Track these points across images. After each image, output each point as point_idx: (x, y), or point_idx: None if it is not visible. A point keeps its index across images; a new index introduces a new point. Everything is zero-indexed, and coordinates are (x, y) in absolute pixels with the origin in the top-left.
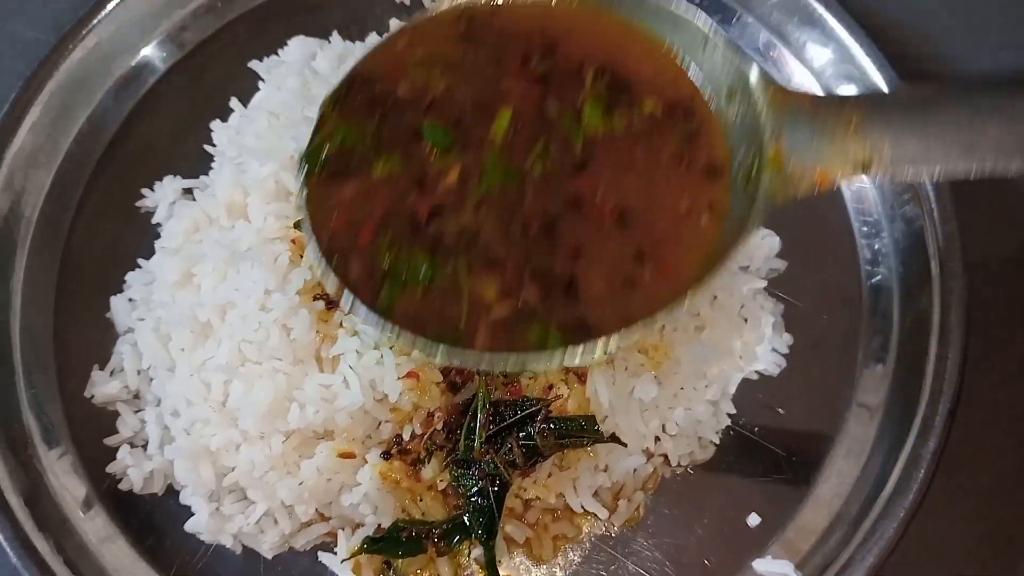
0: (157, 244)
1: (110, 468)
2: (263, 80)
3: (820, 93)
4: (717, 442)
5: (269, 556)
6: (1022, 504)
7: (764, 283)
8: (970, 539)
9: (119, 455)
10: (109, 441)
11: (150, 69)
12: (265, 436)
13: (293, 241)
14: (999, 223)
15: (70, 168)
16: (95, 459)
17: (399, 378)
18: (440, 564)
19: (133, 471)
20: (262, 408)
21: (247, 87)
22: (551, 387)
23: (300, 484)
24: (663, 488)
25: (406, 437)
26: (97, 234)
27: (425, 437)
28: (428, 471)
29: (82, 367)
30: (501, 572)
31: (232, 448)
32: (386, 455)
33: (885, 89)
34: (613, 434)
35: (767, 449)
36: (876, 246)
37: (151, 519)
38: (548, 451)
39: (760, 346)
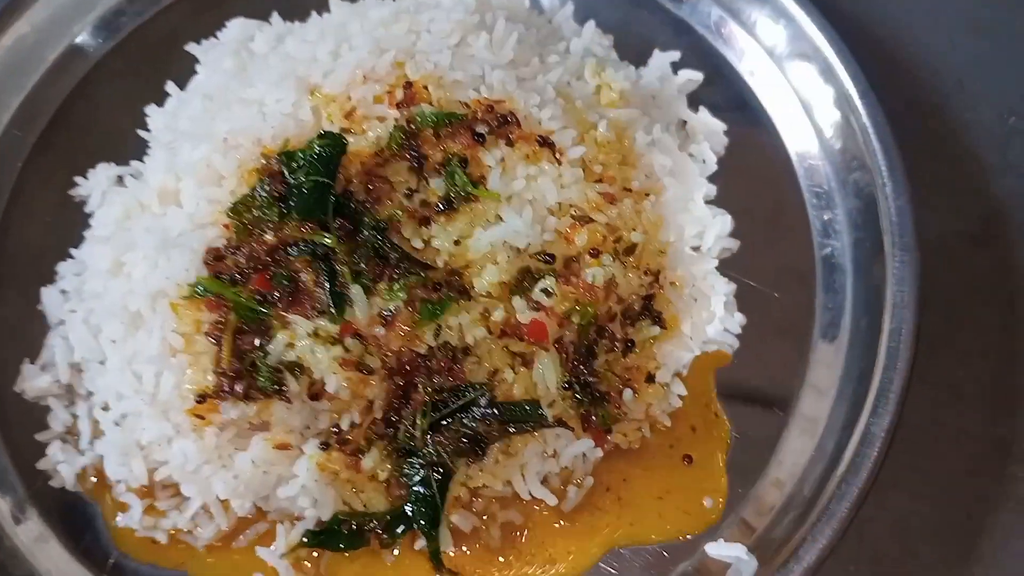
0: (88, 233)
1: (40, 465)
2: (200, 63)
3: (773, 69)
4: (668, 424)
5: (203, 551)
6: (981, 481)
7: (715, 262)
8: (929, 516)
9: (49, 451)
10: (40, 437)
11: (85, 54)
12: (197, 428)
13: (226, 226)
14: (956, 199)
15: (2, 156)
16: (27, 456)
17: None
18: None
19: (64, 467)
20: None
21: (185, 71)
22: (496, 372)
23: (235, 477)
24: (614, 472)
25: (344, 427)
26: (31, 224)
27: (364, 426)
28: (368, 461)
29: (13, 361)
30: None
31: (164, 442)
32: (324, 446)
33: (839, 65)
34: (560, 418)
35: (719, 429)
36: (827, 217)
37: (85, 516)
38: (492, 438)
39: (711, 326)
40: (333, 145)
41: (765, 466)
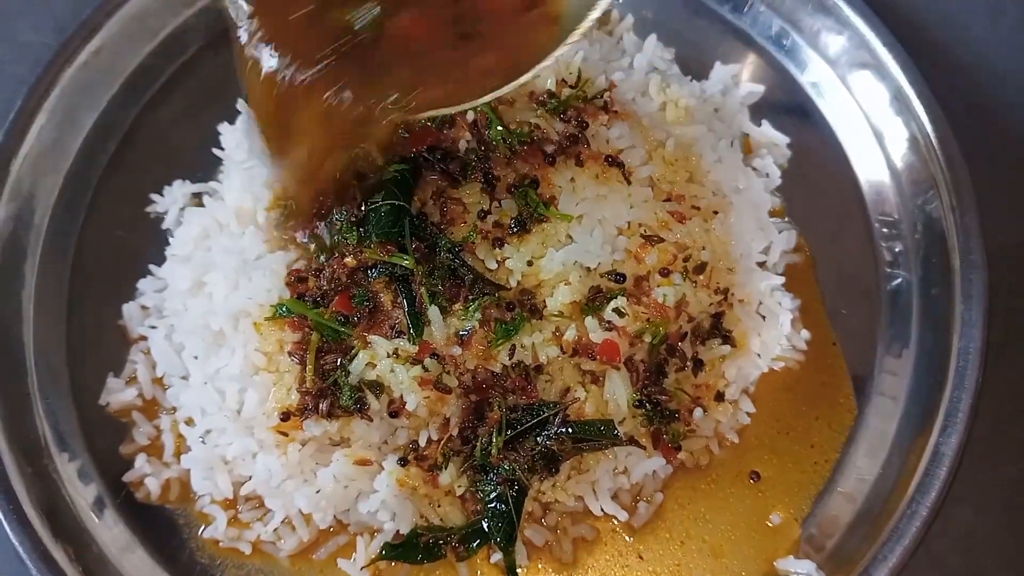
0: (168, 251)
1: (127, 477)
2: None
3: (835, 81)
4: (737, 440)
5: (287, 563)
6: None
7: (782, 280)
8: (994, 531)
9: (136, 464)
10: (124, 450)
11: (155, 71)
12: (281, 444)
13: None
14: (1020, 210)
15: (78, 174)
16: (112, 468)
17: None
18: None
19: (150, 480)
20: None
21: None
22: (568, 390)
23: (317, 492)
24: (684, 488)
25: (422, 443)
26: (108, 240)
27: (442, 443)
28: (445, 477)
29: (96, 375)
30: None
31: (248, 457)
32: (403, 461)
33: (901, 76)
34: (632, 437)
35: (787, 446)
36: (892, 231)
37: (170, 526)
38: (566, 456)
39: (779, 342)
40: (409, 169)
41: (833, 482)
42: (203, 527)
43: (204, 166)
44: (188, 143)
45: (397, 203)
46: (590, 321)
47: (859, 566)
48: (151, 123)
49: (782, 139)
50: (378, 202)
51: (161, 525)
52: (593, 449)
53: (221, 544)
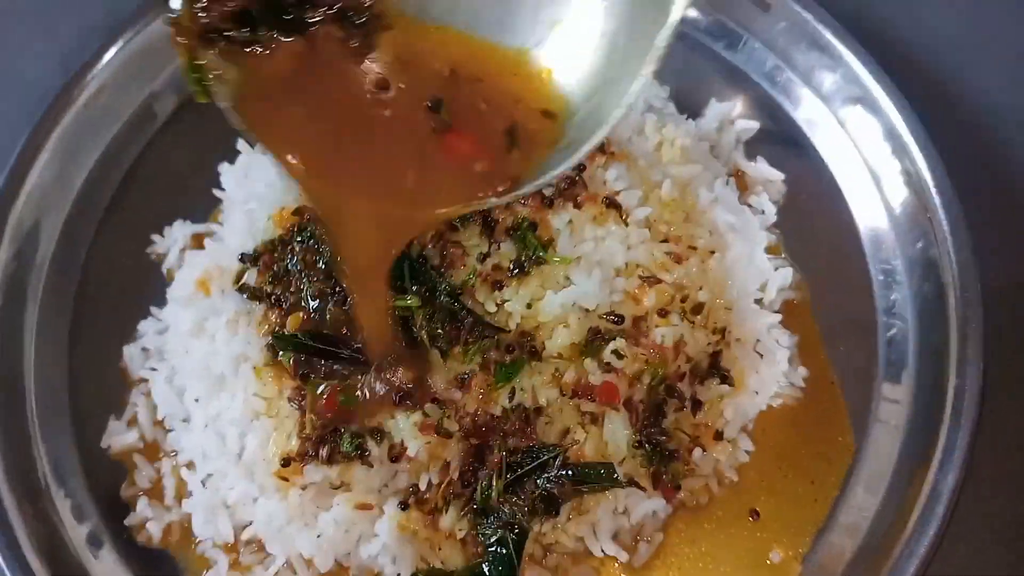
0: (169, 294)
1: (128, 521)
2: None
3: (829, 117)
4: (736, 479)
5: None
6: None
7: (779, 317)
8: (996, 567)
9: (138, 508)
10: (125, 492)
11: (157, 109)
12: (282, 489)
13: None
14: (1018, 241)
15: (80, 214)
16: (113, 510)
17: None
18: None
19: (152, 525)
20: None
21: None
22: (567, 431)
23: (318, 536)
24: (684, 527)
25: (423, 487)
26: (109, 280)
27: (442, 486)
28: (446, 520)
29: (97, 416)
30: None
31: (249, 501)
32: (403, 505)
33: (895, 114)
34: (632, 478)
35: (787, 483)
36: (888, 267)
37: (171, 569)
38: (566, 498)
39: (777, 380)
40: None
41: (833, 519)
42: (205, 571)
43: (206, 206)
44: (190, 183)
45: None
46: (589, 363)
47: None
48: (154, 162)
49: (777, 175)
50: None
51: (163, 567)
52: (593, 491)
53: None
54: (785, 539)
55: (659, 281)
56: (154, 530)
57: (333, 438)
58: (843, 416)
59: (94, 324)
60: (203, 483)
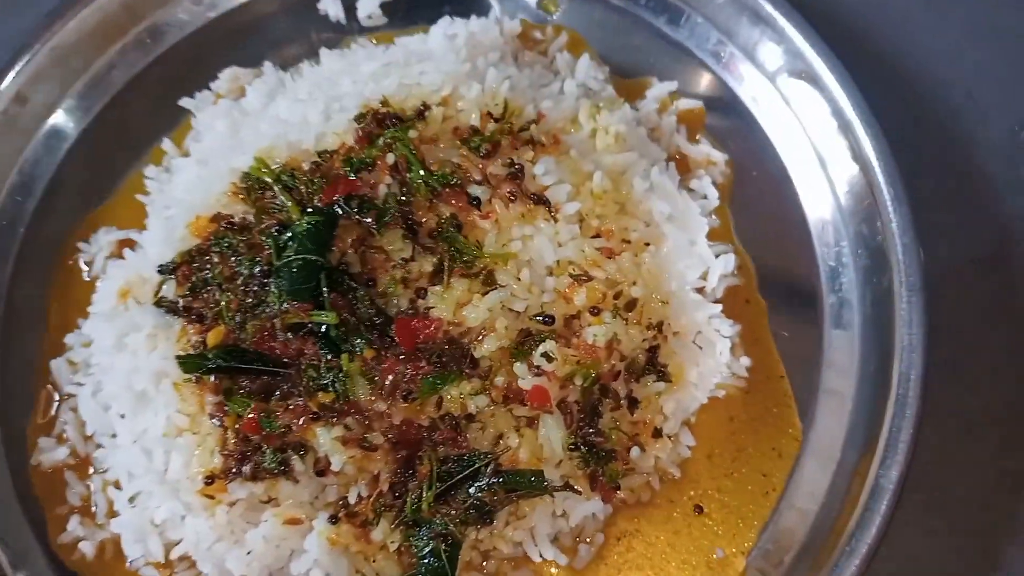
0: (90, 308)
1: (60, 540)
2: (194, 118)
3: (774, 94)
4: (678, 475)
5: None
6: (993, 514)
7: (719, 307)
8: (943, 553)
9: (69, 526)
10: (58, 511)
11: (80, 112)
12: (208, 507)
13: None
14: (965, 219)
15: (3, 223)
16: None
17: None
18: None
19: (84, 544)
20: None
21: (181, 124)
22: (500, 437)
23: (248, 554)
24: (626, 527)
25: (352, 500)
26: (36, 291)
27: (372, 499)
28: (378, 533)
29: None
30: None
31: (177, 520)
32: (333, 519)
33: (838, 90)
34: (567, 483)
35: (730, 477)
36: (835, 249)
37: None
38: (499, 506)
39: (718, 372)
40: (325, 221)
41: (775, 514)
42: None
43: (133, 210)
44: (115, 186)
45: (311, 257)
46: (519, 367)
47: None
48: (77, 167)
49: (720, 156)
50: (290, 256)
51: None
52: (527, 497)
53: None
54: (729, 535)
55: (590, 278)
56: (87, 549)
57: (255, 455)
58: (790, 406)
59: (23, 337)
60: (130, 501)
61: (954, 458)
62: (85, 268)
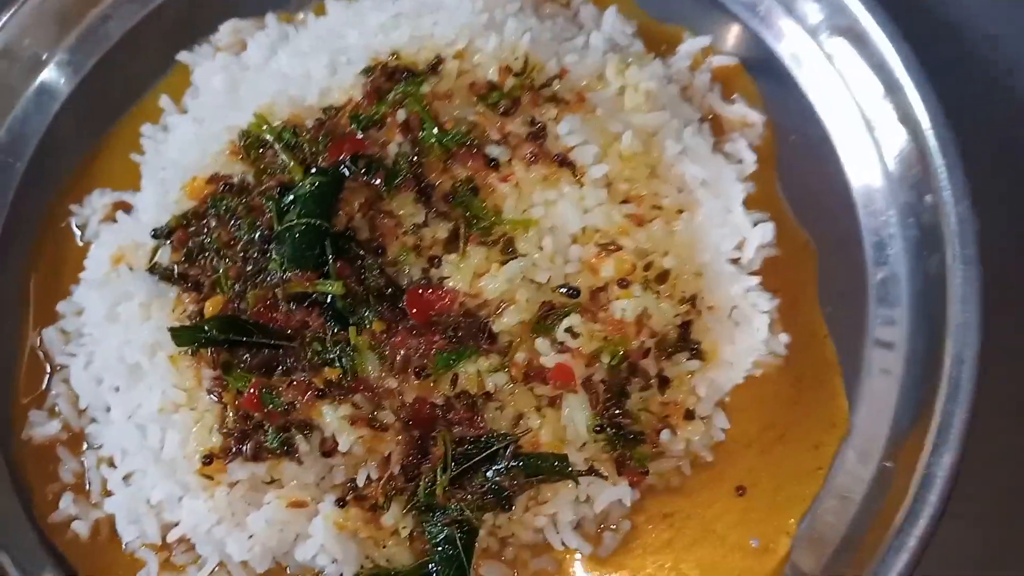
0: (82, 274)
1: (53, 519)
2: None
3: (816, 52)
4: (711, 459)
5: None
6: None
7: (757, 279)
8: (985, 544)
9: (62, 504)
10: (51, 488)
11: (71, 68)
12: (207, 487)
13: None
14: (1017, 194)
15: None
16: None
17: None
18: None
19: (78, 524)
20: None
21: (178, 80)
22: (520, 417)
23: (250, 538)
24: (655, 513)
25: (361, 482)
26: (32, 254)
27: (383, 480)
28: (388, 518)
29: (22, 406)
30: None
31: (174, 500)
32: (341, 502)
33: (887, 44)
34: (592, 467)
35: (768, 461)
36: (881, 218)
37: (102, 569)
38: (518, 491)
39: (755, 350)
40: (330, 182)
41: (818, 500)
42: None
43: (128, 171)
44: (110, 145)
45: (315, 222)
46: (541, 343)
47: None
48: (71, 125)
49: (757, 118)
50: (292, 220)
51: (95, 566)
52: (547, 482)
53: None
54: (767, 522)
55: (619, 248)
56: (81, 529)
57: (257, 433)
58: (835, 386)
59: (16, 306)
60: (125, 480)
61: (1005, 447)
62: (78, 232)
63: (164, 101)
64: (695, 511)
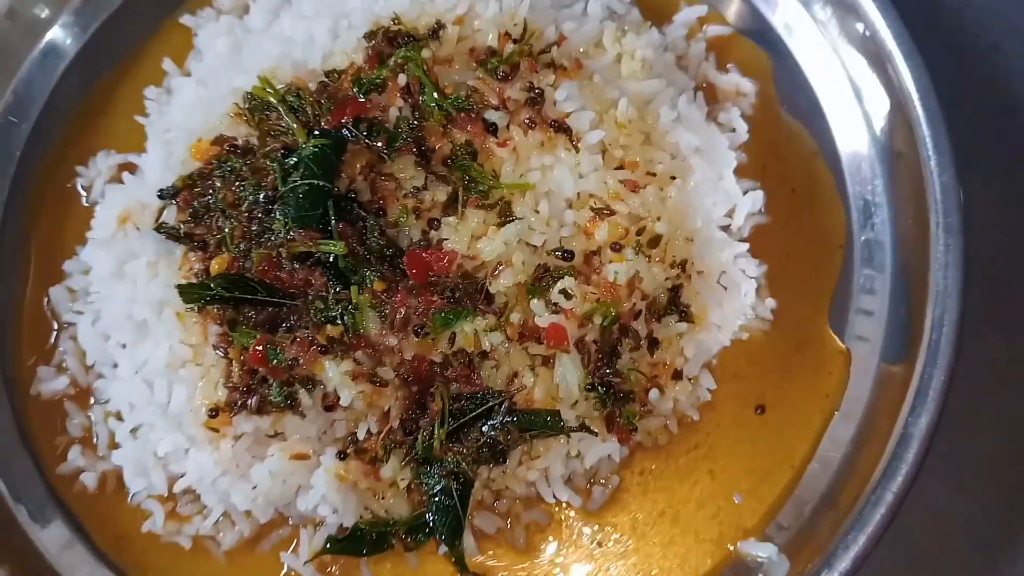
0: (89, 233)
1: (60, 470)
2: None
3: (809, 22)
4: (697, 418)
5: (224, 558)
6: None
7: (746, 246)
8: (969, 507)
9: (70, 457)
10: (59, 441)
11: (76, 29)
12: (213, 440)
13: None
14: (1008, 163)
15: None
16: (50, 460)
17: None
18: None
19: (86, 476)
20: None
21: (182, 43)
22: (515, 375)
23: (254, 488)
24: (642, 469)
25: (361, 435)
26: (37, 215)
27: (382, 435)
28: (387, 470)
29: (27, 359)
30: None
31: (181, 453)
32: (342, 455)
33: (878, 16)
34: (583, 423)
35: (752, 421)
36: (868, 187)
37: (110, 519)
38: (512, 445)
39: (743, 313)
40: (332, 144)
41: (800, 462)
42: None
43: (132, 133)
44: (115, 108)
45: (317, 183)
46: (536, 304)
47: (822, 551)
48: (75, 88)
49: (750, 87)
50: (296, 182)
51: (100, 518)
52: (541, 437)
53: (161, 539)
54: (748, 479)
55: (612, 213)
56: (89, 481)
57: (262, 387)
58: (829, 351)
59: (22, 265)
60: (132, 434)
61: (984, 410)
62: (83, 193)
63: (167, 64)
64: (678, 470)
